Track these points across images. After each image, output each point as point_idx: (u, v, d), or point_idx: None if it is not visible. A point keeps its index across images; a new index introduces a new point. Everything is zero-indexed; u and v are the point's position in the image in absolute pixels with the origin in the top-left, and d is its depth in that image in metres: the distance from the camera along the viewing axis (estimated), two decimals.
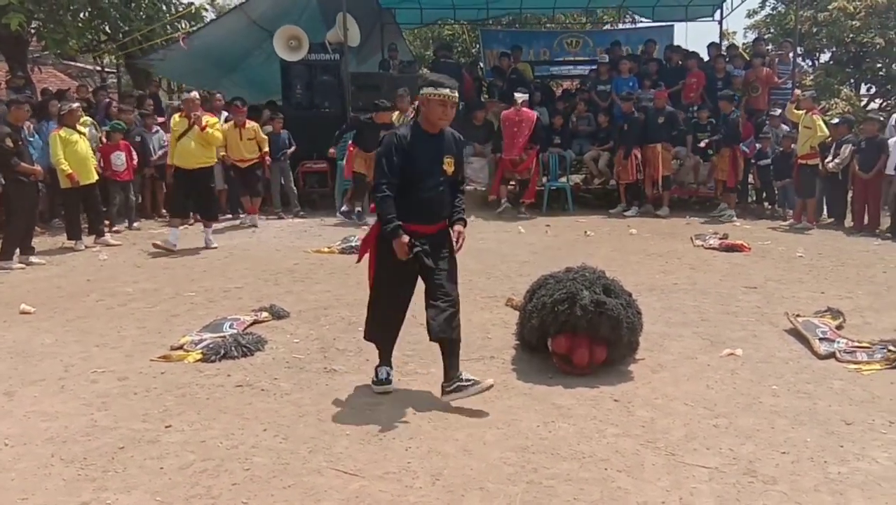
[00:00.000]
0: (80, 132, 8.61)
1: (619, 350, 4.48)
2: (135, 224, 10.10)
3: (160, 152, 10.57)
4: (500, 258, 7.73)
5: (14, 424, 3.84)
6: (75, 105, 8.86)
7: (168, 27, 13.42)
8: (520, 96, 10.82)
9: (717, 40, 14.42)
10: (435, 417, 3.92)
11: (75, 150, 8.40)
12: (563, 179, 11.70)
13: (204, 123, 8.42)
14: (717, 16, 15.23)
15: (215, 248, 8.45)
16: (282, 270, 7.36)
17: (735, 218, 10.46)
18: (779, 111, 10.95)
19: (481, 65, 15.67)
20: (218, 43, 12.53)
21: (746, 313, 5.81)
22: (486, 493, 3.17)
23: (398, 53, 13.83)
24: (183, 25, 13.36)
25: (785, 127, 10.76)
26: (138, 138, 10.49)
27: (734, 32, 22.13)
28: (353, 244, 8.37)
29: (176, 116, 8.75)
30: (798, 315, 5.45)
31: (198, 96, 8.90)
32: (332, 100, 11.82)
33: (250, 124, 10.11)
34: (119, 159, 9.85)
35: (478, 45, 17.70)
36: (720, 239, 8.66)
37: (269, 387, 4.33)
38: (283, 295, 6.34)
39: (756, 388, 4.32)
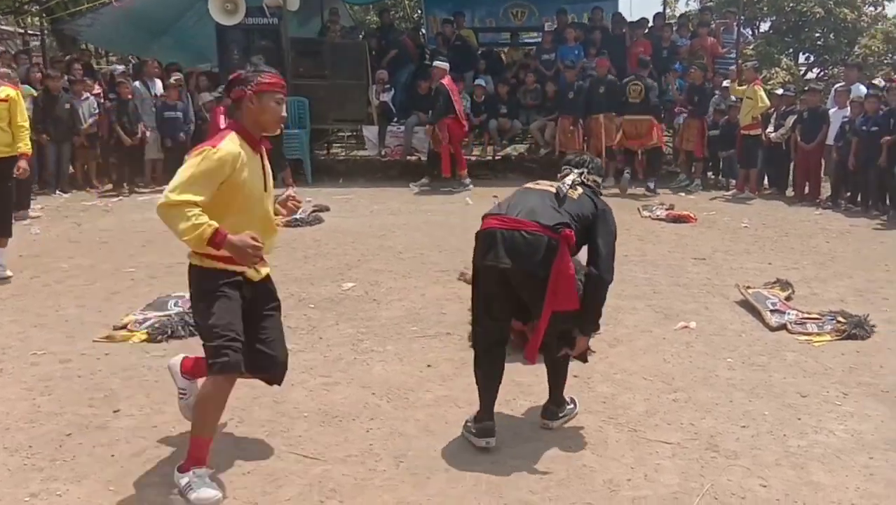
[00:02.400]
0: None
1: None
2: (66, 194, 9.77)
3: (91, 120, 10.25)
4: (450, 230, 7.66)
5: None
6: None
7: None
8: (444, 65, 10.49)
9: (661, 9, 14.47)
10: (394, 396, 3.85)
11: None
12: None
13: None
14: None
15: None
16: None
17: (701, 188, 10.68)
18: (728, 83, 11.08)
19: (423, 31, 15.37)
20: (147, 6, 11.96)
21: (697, 285, 5.88)
22: (452, 474, 3.12)
23: (339, 18, 13.45)
24: None
25: (732, 98, 10.90)
26: (67, 105, 10.02)
27: (677, 1, 22.29)
28: (298, 216, 8.14)
29: None
30: (748, 287, 5.52)
31: None
32: (271, 66, 11.29)
33: (5, 91, 5.85)
34: None
35: (420, 11, 17.39)
36: (667, 210, 8.74)
37: None
38: None
39: (711, 361, 4.37)
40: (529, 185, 3.54)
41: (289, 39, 11.28)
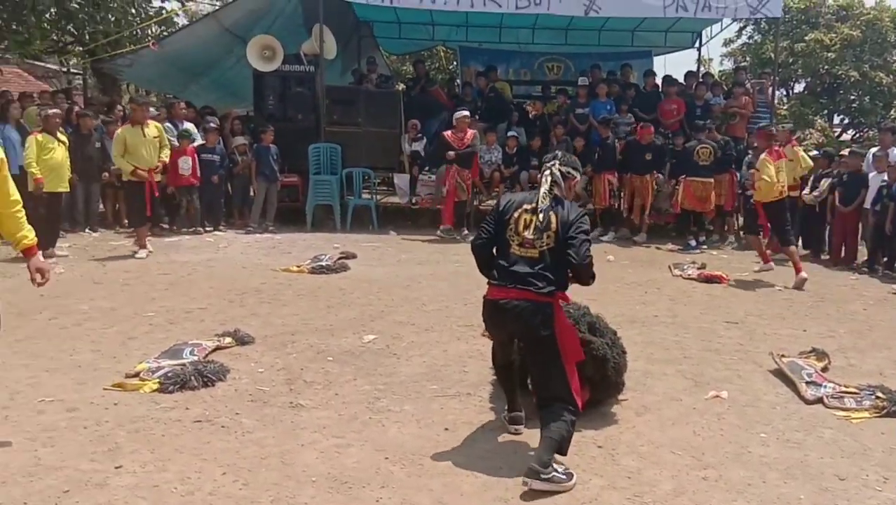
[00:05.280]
0: (60, 140, 8.64)
1: (605, 391, 4.27)
2: (95, 233, 9.89)
3: None
4: (477, 282, 7.45)
5: None
6: (52, 111, 8.86)
7: (137, 31, 13.08)
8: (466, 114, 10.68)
9: (695, 67, 14.43)
10: (409, 462, 3.67)
11: (51, 157, 8.43)
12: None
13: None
14: (696, 44, 15.24)
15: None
16: (248, 289, 7.04)
17: (734, 245, 10.65)
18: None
19: (458, 82, 15.50)
20: (188, 49, 12.23)
21: (729, 351, 5.65)
22: None
23: (377, 67, 13.61)
24: (153, 30, 13.03)
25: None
26: (98, 144, 10.21)
27: (710, 60, 22.34)
28: (324, 263, 8.11)
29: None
30: (783, 355, 5.28)
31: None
32: (305, 112, 11.55)
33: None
34: (186, 164, 10.10)
35: (455, 62, 17.55)
36: (698, 269, 8.53)
37: (229, 423, 4.03)
38: (247, 318, 6.04)
39: (744, 435, 4.13)
40: (515, 214, 3.75)
41: (324, 87, 11.41)
